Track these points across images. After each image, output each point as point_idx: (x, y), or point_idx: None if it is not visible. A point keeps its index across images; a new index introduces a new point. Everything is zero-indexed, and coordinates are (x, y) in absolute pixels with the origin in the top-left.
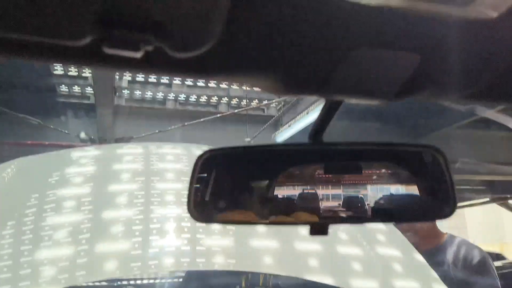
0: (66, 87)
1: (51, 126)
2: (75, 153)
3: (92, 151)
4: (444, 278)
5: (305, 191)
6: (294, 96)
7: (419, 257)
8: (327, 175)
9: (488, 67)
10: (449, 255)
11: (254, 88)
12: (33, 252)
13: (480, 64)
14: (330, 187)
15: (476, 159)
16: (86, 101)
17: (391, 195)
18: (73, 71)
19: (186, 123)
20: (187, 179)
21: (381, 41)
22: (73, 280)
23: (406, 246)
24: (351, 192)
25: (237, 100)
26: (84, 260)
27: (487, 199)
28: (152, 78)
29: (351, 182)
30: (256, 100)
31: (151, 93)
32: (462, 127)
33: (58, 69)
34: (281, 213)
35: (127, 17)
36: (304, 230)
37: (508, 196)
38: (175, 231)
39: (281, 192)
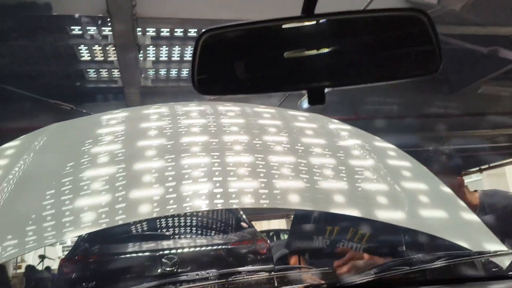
0: (94, 72)
1: (84, 111)
2: (106, 116)
3: (121, 113)
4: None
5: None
6: None
7: (446, 188)
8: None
9: None
10: (487, 210)
11: None
12: (74, 201)
13: None
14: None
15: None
16: (114, 85)
17: (380, 56)
18: (99, 56)
19: (211, 98)
20: (212, 131)
21: None
22: (112, 222)
23: (431, 178)
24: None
25: None
26: (122, 204)
27: None
28: (176, 56)
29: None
30: None
31: (176, 72)
32: (493, 79)
33: (85, 55)
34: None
35: None
36: None
37: None
38: (207, 175)
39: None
